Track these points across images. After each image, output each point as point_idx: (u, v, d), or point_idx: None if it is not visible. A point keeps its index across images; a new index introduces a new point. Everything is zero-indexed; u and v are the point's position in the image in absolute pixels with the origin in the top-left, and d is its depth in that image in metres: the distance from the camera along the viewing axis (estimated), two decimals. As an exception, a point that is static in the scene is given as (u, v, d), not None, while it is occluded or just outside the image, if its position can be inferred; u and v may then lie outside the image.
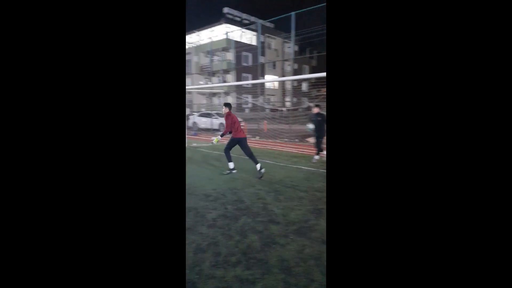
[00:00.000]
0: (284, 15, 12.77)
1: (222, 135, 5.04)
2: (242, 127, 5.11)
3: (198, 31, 29.55)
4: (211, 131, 14.55)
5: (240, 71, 25.03)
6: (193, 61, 27.99)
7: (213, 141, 5.14)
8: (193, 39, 29.49)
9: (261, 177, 4.74)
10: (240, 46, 22.86)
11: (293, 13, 12.09)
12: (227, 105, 5.06)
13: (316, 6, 11.63)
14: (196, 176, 4.86)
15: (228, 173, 5.02)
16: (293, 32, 12.63)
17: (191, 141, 10.11)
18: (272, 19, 28.17)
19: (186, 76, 27.72)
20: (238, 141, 4.91)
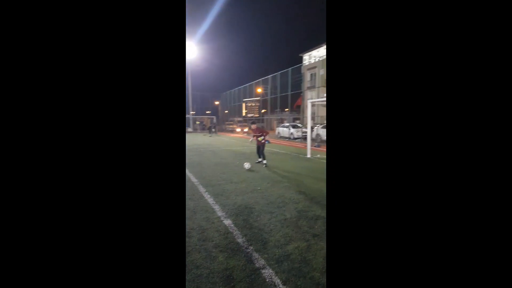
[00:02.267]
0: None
1: (263, 139, 7.59)
2: None
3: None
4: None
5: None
6: (318, 74, 28.46)
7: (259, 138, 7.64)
8: (320, 53, 30.03)
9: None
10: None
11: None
12: (254, 123, 7.84)
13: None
14: (324, 188, 5.02)
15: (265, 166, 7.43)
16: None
17: (316, 152, 10.34)
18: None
19: (311, 89, 28.45)
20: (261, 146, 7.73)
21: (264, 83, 26.22)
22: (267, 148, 8.35)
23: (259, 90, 30.42)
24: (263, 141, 7.57)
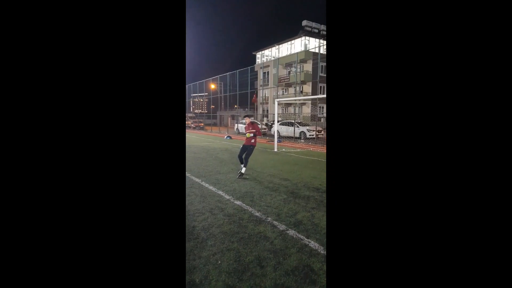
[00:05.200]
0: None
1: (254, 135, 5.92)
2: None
3: (278, 45, 31.43)
4: (293, 138, 15.70)
5: (319, 81, 25.70)
6: (271, 73, 29.88)
7: (246, 134, 5.95)
8: (272, 53, 31.48)
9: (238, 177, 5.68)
10: (318, 57, 23.62)
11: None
12: (248, 116, 6.38)
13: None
14: (303, 175, 5.93)
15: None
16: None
17: (280, 147, 11.37)
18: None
19: (265, 87, 29.74)
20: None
21: (222, 80, 26.58)
22: (232, 144, 6.48)
23: (213, 86, 30.66)
24: (252, 141, 5.87)
